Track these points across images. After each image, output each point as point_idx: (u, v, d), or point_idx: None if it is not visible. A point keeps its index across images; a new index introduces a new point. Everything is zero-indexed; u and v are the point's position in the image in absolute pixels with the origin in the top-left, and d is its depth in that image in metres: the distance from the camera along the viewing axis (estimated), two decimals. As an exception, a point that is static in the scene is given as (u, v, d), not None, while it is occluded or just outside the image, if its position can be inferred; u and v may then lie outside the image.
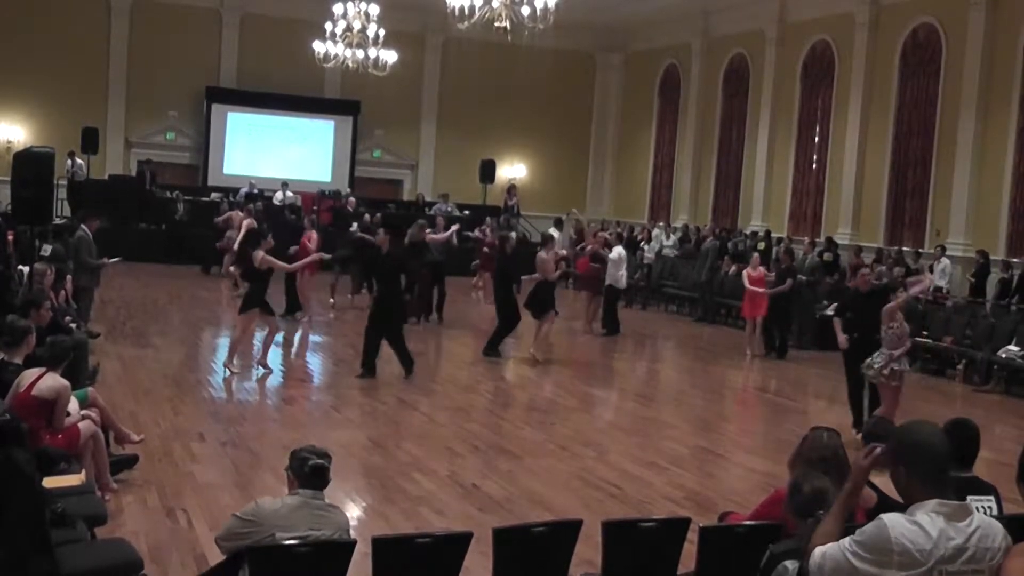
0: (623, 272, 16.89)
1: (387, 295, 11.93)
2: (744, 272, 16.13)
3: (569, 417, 10.75)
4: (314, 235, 16.44)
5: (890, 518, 3.02)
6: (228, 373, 11.50)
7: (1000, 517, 4.40)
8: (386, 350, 11.95)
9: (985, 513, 4.32)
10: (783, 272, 15.92)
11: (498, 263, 15.19)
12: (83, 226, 12.89)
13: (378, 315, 11.84)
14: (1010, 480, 3.84)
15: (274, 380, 11.72)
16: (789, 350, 15.78)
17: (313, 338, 15.01)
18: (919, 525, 2.98)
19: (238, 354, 11.80)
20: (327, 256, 15.40)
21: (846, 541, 3.07)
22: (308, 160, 27.28)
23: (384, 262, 12.22)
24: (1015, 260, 16.85)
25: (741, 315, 17.11)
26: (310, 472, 4.45)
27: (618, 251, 16.93)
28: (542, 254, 14.01)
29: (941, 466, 3.12)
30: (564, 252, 18.44)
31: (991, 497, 4.62)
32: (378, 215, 20.96)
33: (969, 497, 4.35)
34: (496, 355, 13.70)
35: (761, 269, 16.04)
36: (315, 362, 13.64)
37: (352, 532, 4.59)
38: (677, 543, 4.80)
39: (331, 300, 17.67)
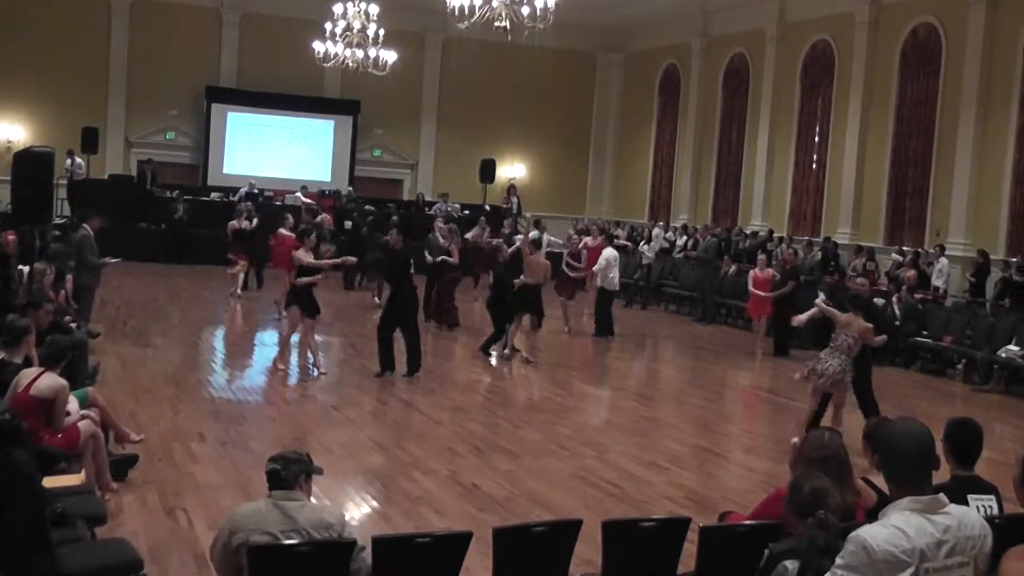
0: (614, 274, 16.54)
1: (400, 293, 11.95)
2: (751, 273, 16.04)
3: (569, 417, 10.74)
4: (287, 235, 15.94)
5: (865, 531, 2.99)
6: (317, 374, 11.71)
7: (1000, 517, 4.41)
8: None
9: (986, 512, 4.34)
10: (787, 273, 15.89)
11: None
12: (85, 225, 12.90)
13: (391, 314, 11.89)
14: (1011, 480, 3.84)
15: (274, 380, 11.72)
16: (791, 350, 15.74)
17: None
18: (895, 527, 2.96)
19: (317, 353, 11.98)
20: (352, 259, 15.02)
21: (836, 570, 3.02)
22: (308, 160, 27.31)
23: (394, 261, 12.35)
24: (1013, 260, 16.85)
25: (747, 315, 17.09)
26: (268, 476, 4.47)
27: (610, 252, 16.63)
28: (532, 257, 13.94)
29: (912, 463, 3.07)
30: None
31: (991, 496, 4.62)
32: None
33: (970, 496, 4.38)
34: (492, 354, 13.74)
35: (769, 270, 16.00)
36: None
37: (352, 531, 4.57)
38: (677, 543, 4.80)
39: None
